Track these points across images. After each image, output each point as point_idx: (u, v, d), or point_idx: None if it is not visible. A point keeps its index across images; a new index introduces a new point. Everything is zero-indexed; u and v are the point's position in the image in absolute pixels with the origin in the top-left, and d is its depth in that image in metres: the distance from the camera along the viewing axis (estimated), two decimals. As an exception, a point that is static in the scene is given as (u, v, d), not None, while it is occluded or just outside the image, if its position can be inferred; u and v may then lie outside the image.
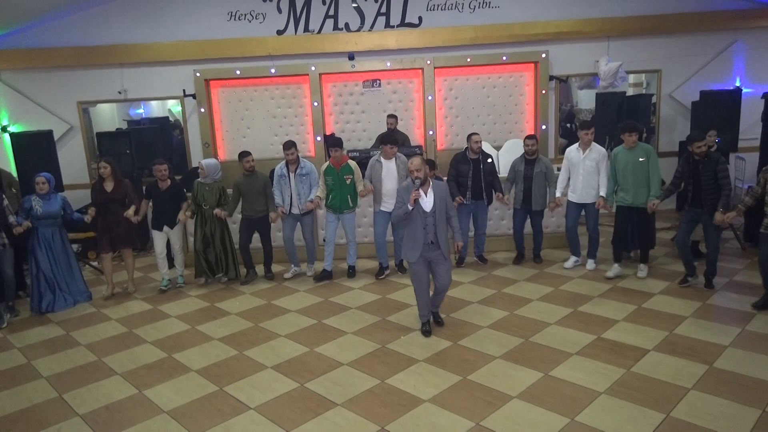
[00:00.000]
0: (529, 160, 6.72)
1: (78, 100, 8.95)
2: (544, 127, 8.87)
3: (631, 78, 9.39)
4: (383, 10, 8.81)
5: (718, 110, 7.92)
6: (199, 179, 6.73)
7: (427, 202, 4.93)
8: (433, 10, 8.81)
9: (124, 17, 8.68)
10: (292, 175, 6.67)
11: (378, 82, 8.89)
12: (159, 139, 9.37)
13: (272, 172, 7.05)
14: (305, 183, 6.70)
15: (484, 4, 8.77)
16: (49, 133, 7.78)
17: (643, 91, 9.92)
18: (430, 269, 5.06)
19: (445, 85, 8.94)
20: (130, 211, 6.43)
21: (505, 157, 8.22)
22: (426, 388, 4.22)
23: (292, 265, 7.03)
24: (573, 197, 6.60)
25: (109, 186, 6.48)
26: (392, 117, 8.25)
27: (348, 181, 6.62)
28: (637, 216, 6.26)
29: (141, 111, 11.08)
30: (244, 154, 6.71)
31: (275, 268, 7.18)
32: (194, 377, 4.60)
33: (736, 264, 6.58)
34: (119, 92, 8.90)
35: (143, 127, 9.86)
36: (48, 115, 8.85)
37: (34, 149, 7.33)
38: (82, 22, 8.63)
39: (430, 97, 8.76)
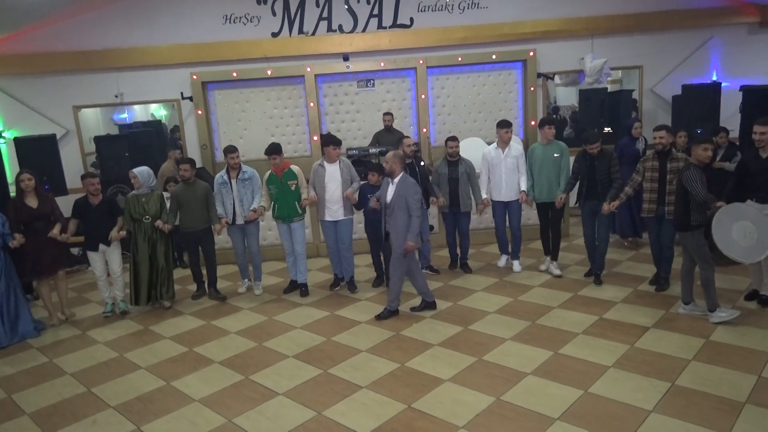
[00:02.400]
0: (451, 162, 6.56)
1: (74, 105, 8.98)
2: (533, 123, 9.17)
3: (612, 75, 9.74)
4: (375, 11, 9.03)
5: (699, 103, 8.33)
6: (132, 192, 6.17)
7: (390, 192, 5.45)
8: (424, 11, 9.06)
9: (119, 21, 8.74)
10: (233, 181, 6.29)
11: (372, 81, 9.11)
12: (155, 142, 9.46)
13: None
14: (248, 188, 6.30)
15: (474, 5, 9.05)
16: (53, 137, 7.85)
17: (620, 87, 10.32)
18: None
19: (438, 83, 9.20)
20: (56, 231, 5.81)
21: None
22: (444, 369, 4.45)
23: (246, 280, 6.74)
24: (498, 196, 6.59)
25: (33, 202, 5.79)
26: (388, 114, 8.49)
27: (293, 187, 6.23)
28: (551, 212, 6.46)
29: (125, 116, 11.12)
30: (181, 161, 6.34)
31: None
32: (219, 368, 4.77)
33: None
34: (116, 96, 8.95)
35: (138, 130, 9.93)
36: (43, 119, 8.85)
37: (38, 154, 7.38)
38: (77, 27, 8.67)
39: (423, 96, 9.01)
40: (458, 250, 6.94)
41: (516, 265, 6.79)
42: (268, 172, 6.33)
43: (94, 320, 6.11)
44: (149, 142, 9.32)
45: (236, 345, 5.21)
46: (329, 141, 6.26)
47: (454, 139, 6.62)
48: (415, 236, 5.33)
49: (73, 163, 9.00)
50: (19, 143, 7.45)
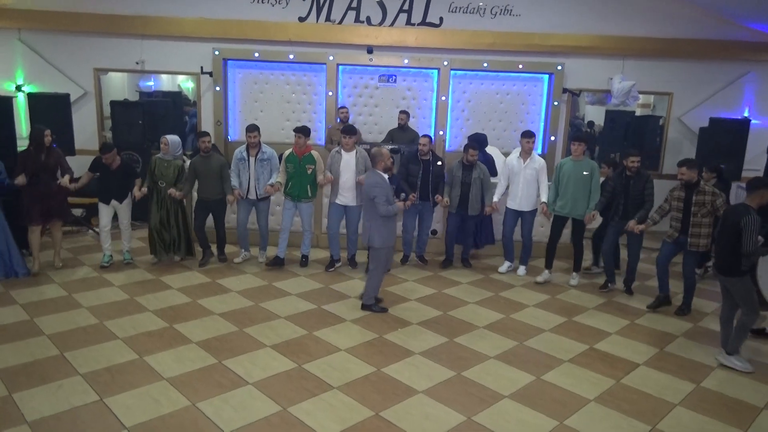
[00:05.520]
0: (466, 166, 6.78)
1: (95, 67, 8.98)
2: (553, 138, 8.97)
3: (641, 99, 9.49)
4: (405, 6, 8.87)
5: (725, 138, 8.06)
6: (158, 155, 6.61)
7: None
8: (455, 12, 8.88)
9: (148, -12, 8.71)
10: (252, 159, 6.64)
11: (394, 77, 8.97)
12: (171, 113, 9.43)
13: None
14: (266, 168, 6.66)
15: (506, 11, 8.85)
16: (66, 96, 7.84)
17: (650, 113, 10.05)
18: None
19: (460, 87, 9.02)
20: (66, 180, 6.16)
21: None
22: (420, 380, 4.32)
23: (243, 250, 6.97)
24: (512, 205, 6.82)
25: (42, 154, 6.11)
26: (404, 113, 8.35)
27: (309, 171, 6.55)
28: (572, 226, 6.60)
29: (151, 84, 11.14)
30: (201, 134, 6.66)
31: (228, 250, 7.14)
32: (194, 348, 4.69)
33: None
34: (137, 63, 8.93)
35: (156, 99, 9.92)
36: (63, 78, 8.87)
37: (50, 111, 7.37)
38: (106, -11, 8.66)
39: (443, 98, 8.85)
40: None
41: (521, 269, 6.97)
42: (289, 150, 6.65)
43: (83, 283, 6.07)
44: (165, 111, 9.32)
45: (217, 327, 5.13)
46: (342, 130, 6.58)
47: (475, 147, 6.80)
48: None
49: (87, 125, 9.04)
50: (33, 99, 7.46)
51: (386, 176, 5.51)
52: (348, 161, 6.50)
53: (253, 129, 6.60)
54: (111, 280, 6.18)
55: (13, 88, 8.85)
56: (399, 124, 8.32)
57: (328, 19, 8.89)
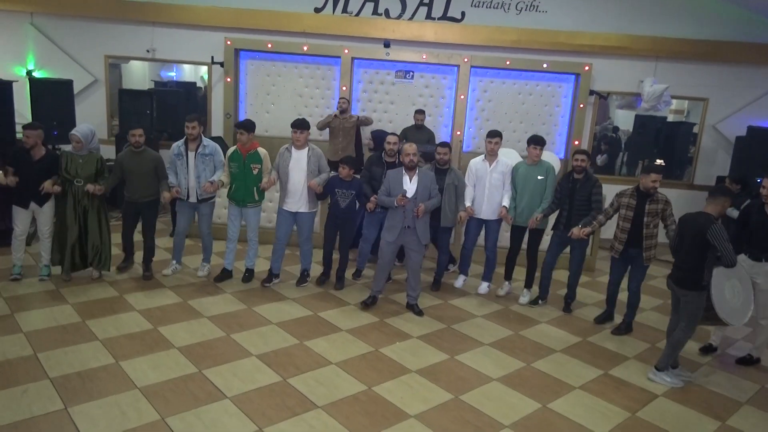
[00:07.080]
0: (439, 170, 5.86)
1: (106, 54, 8.79)
2: (576, 142, 8.48)
3: (673, 104, 8.95)
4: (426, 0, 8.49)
5: (764, 148, 7.49)
6: (68, 150, 5.55)
7: (411, 187, 5.20)
8: (478, 6, 8.46)
9: (160, -26, 8.48)
10: (192, 153, 5.70)
11: (411, 73, 8.58)
12: (182, 104, 9.21)
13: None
14: (207, 164, 5.72)
15: (532, 7, 8.39)
16: (69, 82, 7.63)
17: (684, 119, 9.49)
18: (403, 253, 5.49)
19: (480, 85, 8.59)
20: None
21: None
22: (414, 402, 3.95)
23: (173, 261, 6.10)
24: (476, 212, 5.99)
25: None
26: (421, 113, 7.94)
27: (255, 171, 5.72)
28: (528, 236, 5.95)
29: (173, 74, 10.92)
30: (131, 127, 5.69)
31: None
32: (175, 355, 4.39)
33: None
34: (147, 51, 8.71)
35: (168, 89, 9.71)
36: (74, 65, 8.71)
37: (53, 97, 7.17)
38: (117, -26, 8.46)
39: (462, 96, 8.43)
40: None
41: (483, 286, 6.26)
42: (233, 147, 5.81)
43: (73, 280, 5.81)
44: (176, 102, 9.12)
45: (203, 331, 4.83)
46: (293, 124, 5.65)
47: (444, 144, 5.96)
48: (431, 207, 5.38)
49: (96, 114, 8.84)
50: (36, 84, 7.26)
51: (404, 173, 5.23)
52: (298, 160, 5.67)
53: (192, 119, 5.62)
54: (102, 275, 5.93)
55: (24, 73, 8.71)
56: (416, 123, 7.91)
57: (344, 10, 8.55)
